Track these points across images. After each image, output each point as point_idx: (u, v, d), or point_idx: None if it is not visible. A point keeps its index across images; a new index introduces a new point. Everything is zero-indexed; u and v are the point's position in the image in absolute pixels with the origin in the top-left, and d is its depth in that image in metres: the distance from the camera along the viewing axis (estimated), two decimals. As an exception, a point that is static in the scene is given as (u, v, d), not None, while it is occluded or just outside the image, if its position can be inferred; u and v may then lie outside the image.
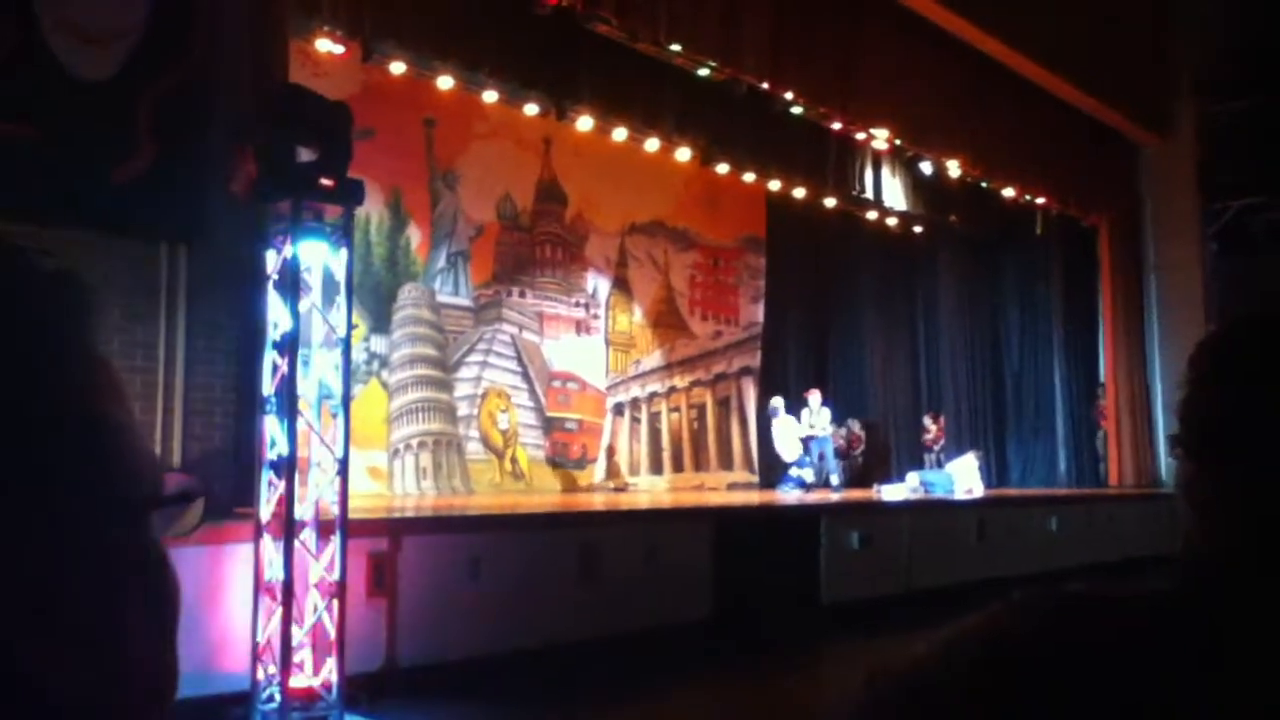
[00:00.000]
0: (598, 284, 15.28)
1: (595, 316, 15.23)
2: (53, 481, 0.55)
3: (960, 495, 13.76)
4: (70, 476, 0.56)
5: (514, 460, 13.90)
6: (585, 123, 12.30)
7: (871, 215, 16.13)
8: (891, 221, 16.50)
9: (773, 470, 16.45)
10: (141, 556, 0.61)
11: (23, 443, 0.54)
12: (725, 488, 16.30)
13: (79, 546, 0.56)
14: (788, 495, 14.26)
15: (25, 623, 0.52)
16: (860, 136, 13.54)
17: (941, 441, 17.15)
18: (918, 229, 17.24)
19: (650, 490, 15.29)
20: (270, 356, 5.76)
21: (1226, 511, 0.85)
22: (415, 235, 13.06)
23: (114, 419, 0.60)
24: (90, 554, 0.57)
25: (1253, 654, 0.77)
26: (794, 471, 15.02)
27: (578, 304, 15.00)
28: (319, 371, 5.97)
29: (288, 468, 5.61)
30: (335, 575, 5.76)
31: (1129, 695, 0.76)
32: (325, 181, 5.72)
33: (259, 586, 5.65)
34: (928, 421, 17.30)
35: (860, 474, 17.06)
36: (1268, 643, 0.77)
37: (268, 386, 5.75)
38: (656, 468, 15.76)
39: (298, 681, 5.61)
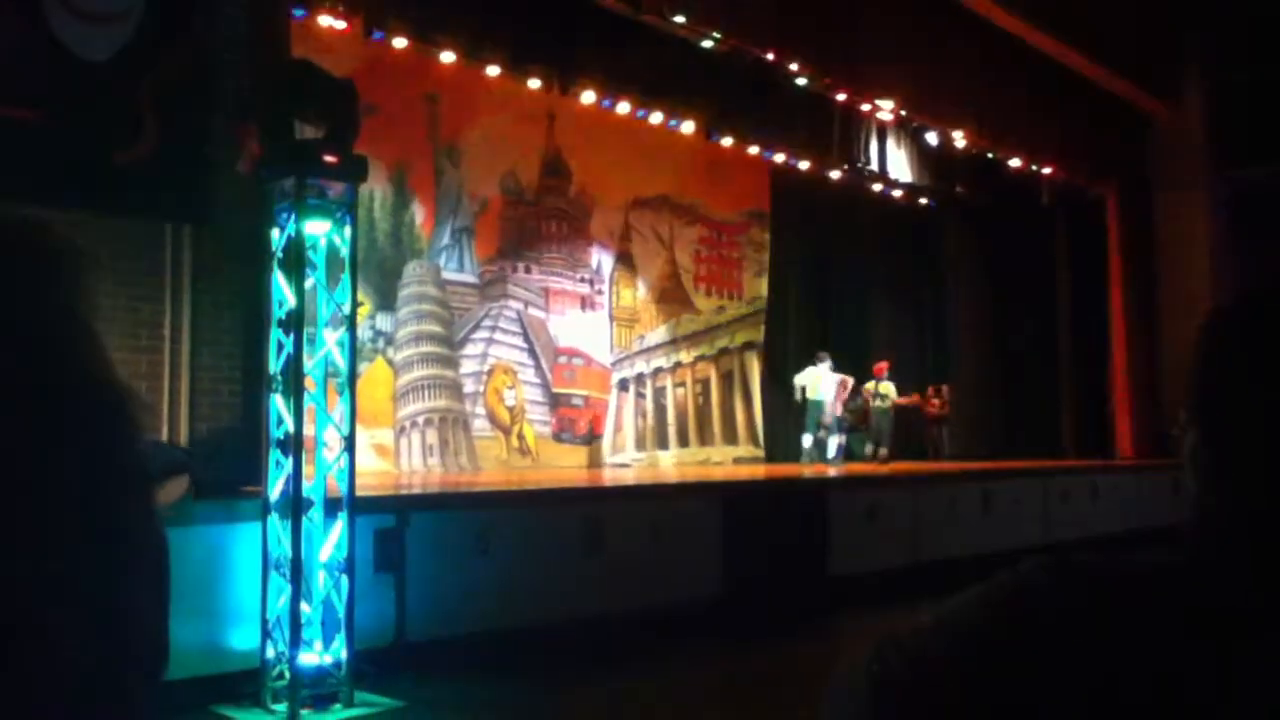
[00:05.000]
0: (602, 259, 15.25)
1: (600, 292, 15.21)
2: (70, 455, 0.56)
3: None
4: (86, 449, 0.57)
5: (520, 436, 13.92)
6: (588, 96, 12.24)
7: (876, 187, 16.06)
8: (897, 193, 16.43)
9: (779, 444, 16.50)
10: (148, 530, 0.61)
11: (40, 412, 0.54)
12: (731, 462, 16.32)
13: (96, 521, 0.56)
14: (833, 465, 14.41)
15: (49, 596, 0.53)
16: (865, 108, 13.47)
17: (946, 413, 17.15)
18: (923, 200, 17.18)
19: (656, 465, 15.32)
20: (276, 335, 5.77)
21: (1231, 481, 0.85)
22: (419, 212, 13.04)
23: (126, 388, 0.60)
24: (106, 528, 0.57)
25: (1257, 622, 0.77)
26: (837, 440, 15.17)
27: (582, 279, 14.97)
28: (324, 349, 5.98)
29: (294, 446, 5.62)
30: (343, 552, 5.78)
31: (1134, 664, 0.76)
32: (329, 158, 5.71)
33: (267, 564, 5.68)
34: (930, 393, 17.28)
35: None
36: (1272, 611, 0.77)
37: (273, 365, 5.76)
38: (662, 443, 15.78)
39: (307, 658, 5.65)
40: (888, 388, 15.52)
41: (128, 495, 0.61)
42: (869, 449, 15.63)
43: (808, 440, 14.94)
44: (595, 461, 14.71)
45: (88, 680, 0.56)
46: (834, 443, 14.99)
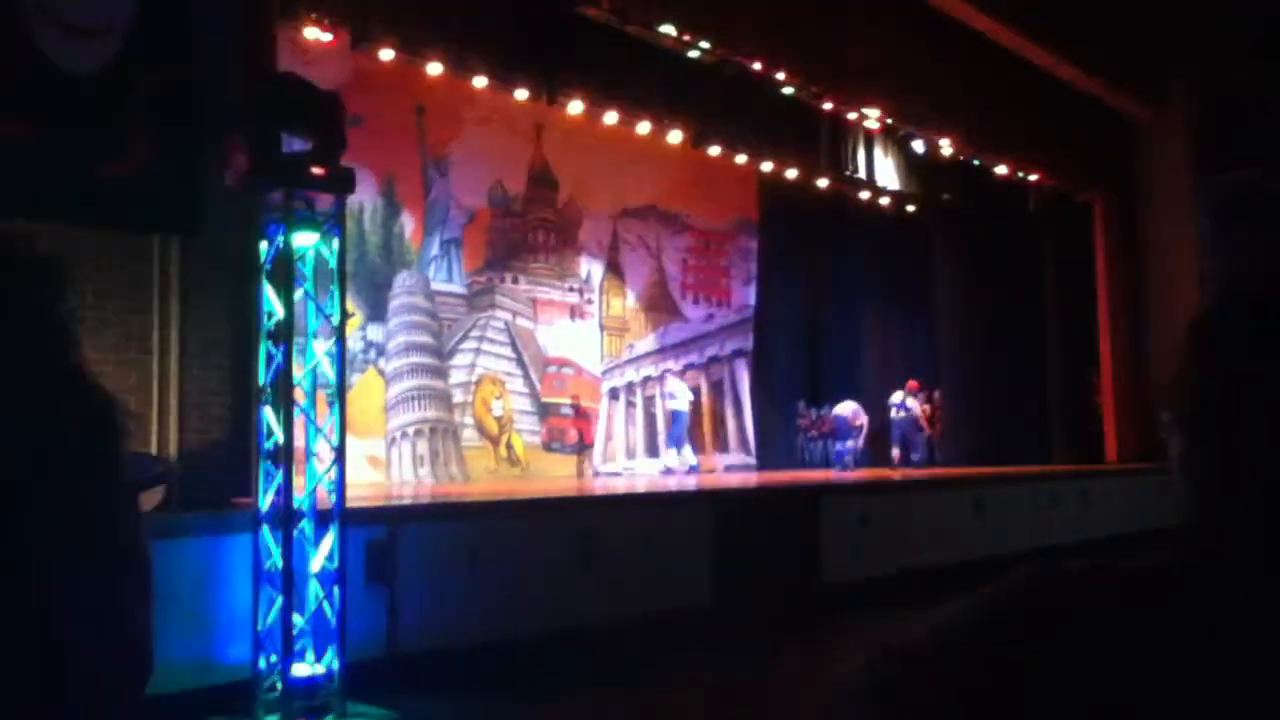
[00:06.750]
0: (591, 268, 15.27)
1: (589, 301, 15.23)
2: (69, 465, 0.56)
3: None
4: (85, 460, 0.57)
5: (509, 446, 13.91)
6: (576, 107, 12.24)
7: (864, 195, 16.10)
8: (884, 201, 16.47)
9: (770, 452, 16.53)
10: (134, 536, 0.62)
11: (36, 425, 0.55)
12: (722, 470, 16.33)
13: (96, 534, 0.57)
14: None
15: (55, 600, 0.53)
16: (852, 116, 13.51)
17: (936, 419, 17.17)
18: (911, 208, 17.21)
19: (647, 474, 15.31)
20: (265, 347, 5.76)
21: (1221, 485, 0.85)
22: (409, 223, 13.04)
23: (114, 401, 0.61)
24: (106, 541, 0.58)
25: (1250, 627, 0.77)
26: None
27: (571, 289, 14.99)
28: (314, 361, 5.98)
29: (285, 457, 5.61)
30: (335, 564, 5.77)
31: (1129, 671, 0.77)
32: (316, 170, 5.72)
33: (259, 576, 5.67)
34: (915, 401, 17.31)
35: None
36: (1265, 615, 0.78)
37: (263, 377, 5.75)
38: (652, 451, 15.78)
39: (300, 670, 5.63)
40: (912, 401, 16.01)
41: (121, 506, 0.61)
42: (894, 454, 15.84)
43: (673, 456, 15.00)
44: (585, 471, 14.72)
45: (97, 699, 0.57)
46: (686, 453, 15.08)
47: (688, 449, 15.13)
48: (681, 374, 16.34)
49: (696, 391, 16.52)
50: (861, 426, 15.78)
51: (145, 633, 0.62)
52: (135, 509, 0.64)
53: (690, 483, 12.96)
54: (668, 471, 14.78)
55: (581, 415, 14.69)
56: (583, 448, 14.79)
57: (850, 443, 15.53)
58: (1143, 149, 17.02)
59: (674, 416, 15.09)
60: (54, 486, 0.55)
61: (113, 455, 0.60)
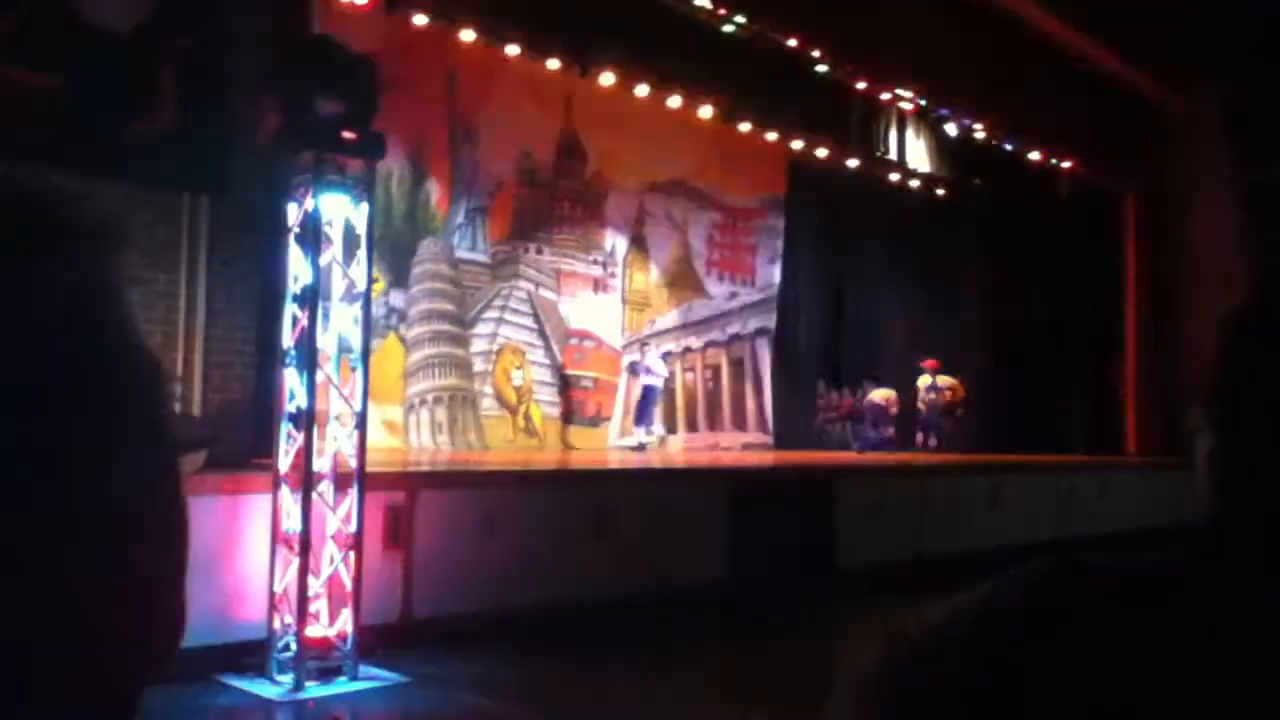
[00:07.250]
0: (616, 242, 15.23)
1: (612, 275, 15.19)
2: (114, 423, 0.56)
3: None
4: (131, 426, 0.57)
5: (527, 417, 13.93)
6: (607, 79, 12.19)
7: (894, 176, 15.98)
8: (914, 183, 16.35)
9: (788, 432, 16.51)
10: (174, 500, 0.62)
11: (86, 385, 0.55)
12: (740, 448, 16.33)
13: (133, 489, 0.57)
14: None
15: (90, 564, 0.54)
16: (885, 96, 13.41)
17: (957, 404, 17.08)
18: (940, 191, 17.09)
19: (664, 450, 15.32)
20: (290, 309, 5.78)
21: (1246, 483, 0.85)
22: (435, 190, 13.03)
23: (160, 364, 0.61)
24: (141, 497, 0.58)
25: (1250, 627, 0.77)
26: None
27: (595, 262, 14.96)
28: (338, 325, 6.00)
29: (306, 420, 5.65)
30: (352, 527, 5.81)
31: (1129, 671, 0.76)
32: (347, 135, 5.72)
33: (276, 537, 5.71)
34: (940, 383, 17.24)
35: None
36: (1265, 615, 0.77)
37: (287, 339, 5.78)
38: (671, 427, 15.78)
39: (314, 631, 5.68)
40: (944, 380, 15.89)
41: (161, 470, 0.62)
42: (919, 438, 15.78)
43: (641, 433, 14.64)
44: (602, 444, 14.72)
45: (130, 660, 0.57)
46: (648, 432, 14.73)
47: (658, 426, 14.80)
48: (703, 350, 16.33)
49: (716, 370, 16.51)
50: (894, 415, 15.74)
51: (178, 597, 0.63)
52: (176, 474, 0.64)
53: (708, 460, 12.96)
54: (640, 448, 14.42)
55: (572, 386, 14.54)
56: (567, 417, 14.56)
57: (890, 430, 15.48)
58: (1179, 139, 16.82)
59: (646, 391, 14.77)
60: (95, 450, 0.55)
61: (156, 420, 0.60)
